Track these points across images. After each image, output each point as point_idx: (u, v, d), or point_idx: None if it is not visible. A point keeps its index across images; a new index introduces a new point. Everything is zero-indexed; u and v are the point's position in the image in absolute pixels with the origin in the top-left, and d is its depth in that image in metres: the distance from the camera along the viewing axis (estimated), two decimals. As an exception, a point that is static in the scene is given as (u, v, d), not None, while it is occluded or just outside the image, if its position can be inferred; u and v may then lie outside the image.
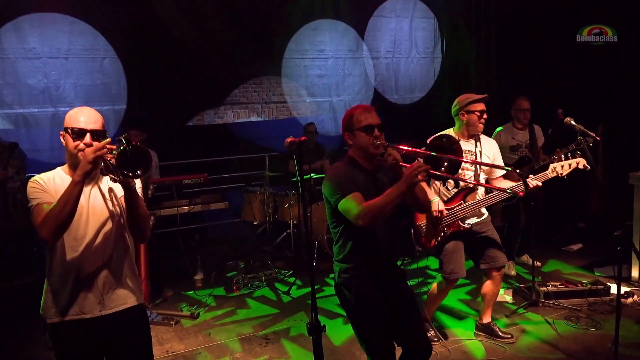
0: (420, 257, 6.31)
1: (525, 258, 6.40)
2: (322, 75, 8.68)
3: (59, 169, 2.63)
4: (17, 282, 6.14)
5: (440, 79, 9.50)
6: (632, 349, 4.28)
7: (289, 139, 2.78)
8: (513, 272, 6.11)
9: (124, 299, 2.69)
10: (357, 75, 8.92)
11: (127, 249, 2.72)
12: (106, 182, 2.65)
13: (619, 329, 3.66)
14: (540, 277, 5.65)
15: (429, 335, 4.31)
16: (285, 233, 6.98)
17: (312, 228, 6.71)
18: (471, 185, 4.18)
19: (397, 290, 3.13)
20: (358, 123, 2.98)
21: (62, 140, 2.57)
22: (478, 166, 4.26)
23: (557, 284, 5.32)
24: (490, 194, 4.21)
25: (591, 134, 4.15)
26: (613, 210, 7.16)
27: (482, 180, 4.26)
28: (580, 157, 4.22)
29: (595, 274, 5.98)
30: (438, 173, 2.77)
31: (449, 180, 4.10)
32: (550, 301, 5.13)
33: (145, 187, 2.64)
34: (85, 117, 2.54)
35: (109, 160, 2.37)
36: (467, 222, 4.22)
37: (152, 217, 4.62)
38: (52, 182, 2.55)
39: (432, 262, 6.13)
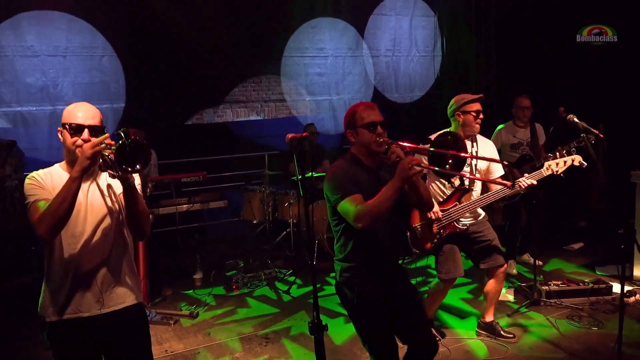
0: (420, 257, 6.27)
1: (527, 257, 6.37)
2: (321, 74, 8.65)
3: (56, 165, 2.59)
4: (16, 281, 6.10)
5: (440, 78, 9.47)
6: (635, 348, 4.25)
7: (290, 135, 2.74)
8: (514, 271, 6.08)
9: (123, 297, 2.65)
10: (357, 74, 8.89)
11: (126, 247, 2.68)
12: (105, 178, 2.61)
13: (622, 328, 3.63)
14: (541, 276, 5.62)
15: None
16: (285, 232, 6.95)
17: (307, 228, 6.66)
18: (467, 184, 4.15)
19: (399, 289, 3.09)
20: (361, 120, 2.95)
21: (59, 136, 2.53)
22: (474, 168, 4.24)
23: (559, 283, 5.29)
24: (485, 194, 4.18)
25: (594, 131, 4.13)
26: (613, 210, 7.17)
27: (477, 182, 4.23)
28: (576, 154, 4.19)
29: (597, 272, 5.95)
30: (443, 170, 2.73)
31: (454, 178, 4.09)
32: (552, 300, 5.10)
33: (144, 185, 2.61)
34: (83, 112, 2.50)
35: (108, 156, 2.33)
36: (462, 223, 4.19)
37: (151, 216, 4.58)
38: (50, 178, 2.51)
39: (433, 262, 6.08)
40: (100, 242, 2.56)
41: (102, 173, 2.60)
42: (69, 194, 2.33)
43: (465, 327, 4.79)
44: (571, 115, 4.25)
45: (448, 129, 4.22)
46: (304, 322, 5.03)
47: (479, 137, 4.31)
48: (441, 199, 4.23)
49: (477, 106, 4.13)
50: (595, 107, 7.22)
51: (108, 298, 2.59)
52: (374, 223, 2.77)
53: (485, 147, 4.33)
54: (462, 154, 2.76)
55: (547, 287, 5.16)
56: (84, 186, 2.52)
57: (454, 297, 5.39)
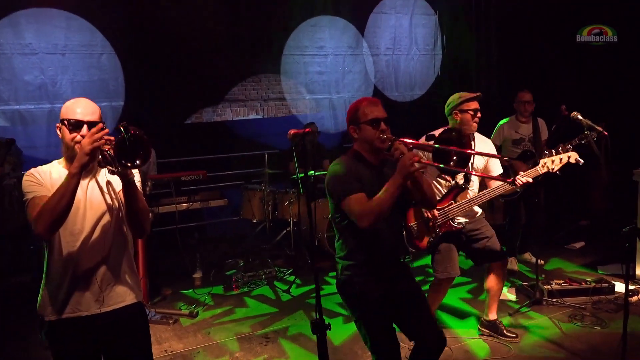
0: (419, 256, 6.24)
1: (528, 256, 6.34)
2: (321, 72, 8.61)
3: (55, 162, 2.56)
4: (14, 280, 6.06)
5: (440, 76, 9.43)
6: (638, 348, 4.20)
7: (292, 131, 2.70)
8: (516, 267, 6.05)
9: (123, 296, 2.61)
10: (357, 72, 8.86)
11: (126, 245, 2.65)
12: (104, 174, 2.58)
13: (626, 327, 3.60)
14: (543, 275, 5.59)
15: None
16: (285, 231, 6.91)
17: (309, 226, 6.64)
18: (462, 182, 4.12)
19: (402, 286, 3.06)
20: (364, 116, 2.91)
21: (58, 132, 2.50)
22: (471, 166, 4.20)
23: (561, 282, 5.25)
24: (481, 192, 4.14)
25: (598, 128, 4.09)
26: (613, 209, 7.14)
27: (475, 180, 4.20)
28: (572, 151, 4.15)
29: (599, 272, 5.92)
30: (447, 167, 2.69)
31: (458, 175, 4.06)
32: (554, 299, 5.07)
33: (143, 184, 2.57)
34: (82, 108, 2.46)
35: (107, 151, 2.29)
36: (458, 221, 4.16)
37: (150, 214, 4.54)
38: (48, 175, 2.48)
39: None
40: (99, 239, 2.52)
41: (102, 170, 2.56)
42: (68, 190, 2.29)
43: (465, 327, 4.76)
44: (575, 113, 4.21)
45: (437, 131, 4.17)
46: (303, 322, 5.00)
47: (477, 135, 4.28)
48: (437, 198, 4.19)
49: (474, 105, 4.10)
50: (595, 107, 7.19)
51: (108, 297, 2.56)
52: (377, 221, 2.73)
53: (484, 145, 4.30)
54: (467, 151, 2.73)
55: (549, 287, 5.13)
56: (83, 183, 2.48)
57: (453, 297, 5.35)
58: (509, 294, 5.37)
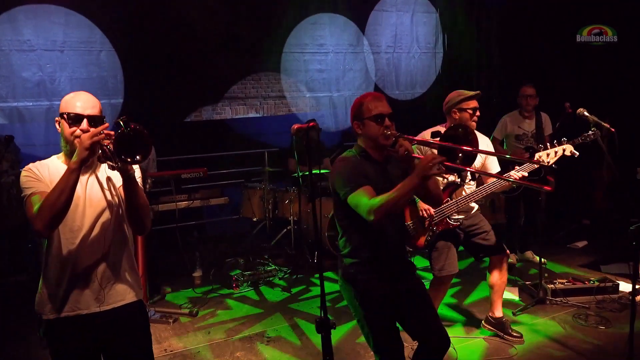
0: (418, 254, 6.19)
1: (530, 255, 6.30)
2: (322, 70, 8.56)
3: (54, 157, 2.51)
4: (12, 279, 6.02)
5: (441, 75, 9.38)
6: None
7: (296, 126, 2.64)
8: (515, 262, 6.01)
9: (123, 294, 2.56)
10: (358, 70, 8.80)
11: (126, 242, 2.59)
12: (104, 170, 2.53)
13: (633, 327, 3.55)
14: (546, 275, 5.54)
15: None
16: (285, 230, 6.86)
17: (313, 225, 6.59)
18: (457, 181, 4.08)
19: (406, 284, 3.01)
20: (368, 112, 2.86)
21: (57, 126, 2.45)
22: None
23: (564, 281, 5.21)
24: (477, 189, 4.11)
25: (605, 124, 4.04)
26: (615, 208, 7.11)
27: (469, 175, 4.16)
28: (567, 144, 4.11)
29: (602, 271, 5.87)
30: (453, 165, 2.64)
31: (464, 173, 4.03)
32: (557, 299, 5.03)
33: (143, 181, 2.52)
34: (82, 102, 2.41)
35: (107, 146, 2.24)
36: (454, 219, 4.11)
37: (150, 213, 4.50)
38: (47, 170, 2.42)
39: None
40: (99, 236, 2.47)
41: (102, 165, 2.51)
42: (67, 186, 2.24)
43: (467, 326, 4.72)
44: (581, 109, 4.17)
45: (434, 128, 4.11)
46: (305, 321, 4.96)
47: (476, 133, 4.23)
48: (442, 195, 4.15)
49: (473, 103, 4.05)
50: (595, 107, 7.19)
51: (108, 295, 2.51)
52: (385, 217, 2.66)
53: (481, 142, 4.24)
54: (475, 149, 2.67)
55: (552, 286, 5.08)
56: (83, 179, 2.43)
57: (454, 297, 5.31)
58: (510, 293, 5.32)
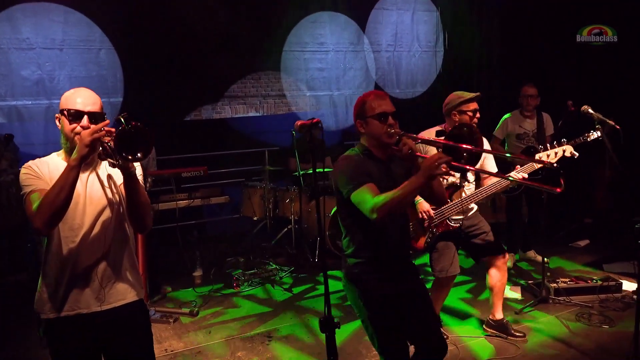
0: (421, 254, 6.16)
1: (532, 254, 6.27)
2: (322, 69, 8.51)
3: (54, 154, 2.47)
4: (11, 278, 5.98)
5: (442, 73, 9.34)
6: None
7: (299, 122, 2.61)
8: (510, 264, 5.98)
9: (124, 293, 2.53)
10: (358, 69, 8.76)
11: (126, 240, 2.56)
12: (104, 168, 2.49)
13: (638, 327, 3.52)
14: (549, 274, 5.51)
15: None
16: (286, 229, 6.82)
17: (313, 224, 6.58)
18: (457, 182, 4.05)
19: (408, 286, 2.97)
20: (371, 110, 2.82)
21: (57, 123, 2.41)
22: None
23: (567, 280, 5.19)
24: (477, 190, 4.09)
25: (610, 122, 4.01)
26: (616, 207, 7.09)
27: (470, 178, 4.14)
28: (567, 144, 4.10)
29: (605, 270, 5.84)
30: (458, 165, 2.60)
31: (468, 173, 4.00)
32: (560, 298, 5.00)
33: (143, 179, 2.50)
34: (82, 98, 2.38)
35: (107, 143, 2.20)
36: (455, 220, 4.08)
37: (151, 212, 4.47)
38: (47, 168, 2.39)
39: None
40: (99, 235, 2.44)
41: (102, 163, 2.48)
42: (67, 183, 2.20)
43: (470, 326, 4.69)
44: (585, 106, 4.14)
45: (433, 129, 4.08)
46: (306, 321, 4.93)
47: None
48: (446, 195, 4.11)
49: (474, 105, 4.03)
50: (595, 107, 7.18)
51: (108, 294, 2.47)
52: (388, 215, 2.62)
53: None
54: (480, 148, 2.64)
55: (555, 285, 5.06)
56: (83, 176, 2.40)
57: (456, 296, 5.28)
58: (512, 292, 5.29)
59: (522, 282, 5.58)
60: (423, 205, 3.99)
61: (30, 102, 6.63)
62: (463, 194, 4.06)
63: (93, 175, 2.47)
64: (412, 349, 3.02)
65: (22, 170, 2.37)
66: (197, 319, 5.02)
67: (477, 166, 4.10)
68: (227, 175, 7.76)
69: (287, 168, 7.12)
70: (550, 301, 5.00)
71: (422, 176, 2.53)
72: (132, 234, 2.59)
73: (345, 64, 8.66)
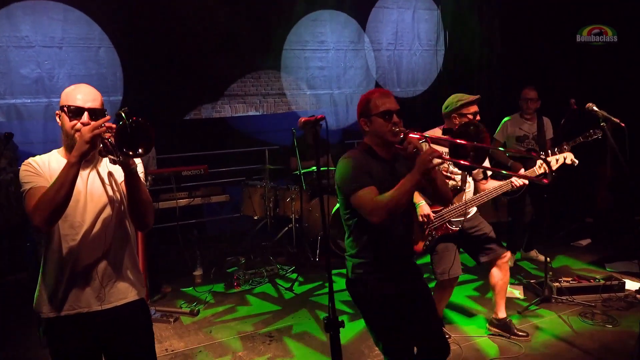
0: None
1: (534, 254, 6.24)
2: (322, 68, 8.49)
3: (54, 151, 2.44)
4: (11, 278, 5.95)
5: (443, 72, 9.31)
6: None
7: (303, 119, 2.57)
8: (511, 263, 5.96)
9: (125, 292, 2.49)
10: (359, 68, 8.73)
11: (128, 239, 2.52)
12: (105, 165, 2.46)
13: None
14: (551, 273, 5.49)
15: None
16: (286, 228, 6.79)
17: (314, 223, 6.55)
18: (460, 183, 4.03)
19: (412, 286, 2.94)
20: (375, 108, 2.78)
21: (57, 119, 2.38)
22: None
23: (570, 279, 5.15)
24: (479, 194, 4.08)
25: (615, 119, 3.98)
26: (617, 207, 7.06)
27: (470, 180, 4.11)
28: (568, 152, 4.12)
29: (607, 269, 5.82)
30: (465, 163, 2.57)
31: (456, 176, 3.99)
32: (563, 297, 4.97)
33: (144, 177, 2.49)
34: (83, 94, 2.35)
35: (108, 139, 2.17)
36: (455, 224, 4.07)
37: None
38: (47, 165, 2.36)
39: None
40: (100, 233, 2.40)
41: (103, 160, 2.45)
42: (67, 180, 2.17)
43: (473, 325, 4.65)
44: (590, 104, 4.11)
45: (432, 130, 4.06)
46: (307, 320, 4.90)
47: None
48: (450, 194, 4.09)
49: (474, 108, 3.99)
50: (596, 107, 7.20)
51: (109, 293, 2.44)
52: (389, 217, 2.60)
53: None
54: (486, 145, 2.62)
55: (558, 284, 5.03)
56: (84, 174, 2.37)
57: (460, 295, 5.26)
58: (514, 291, 5.27)
59: (525, 281, 5.55)
60: (423, 208, 3.98)
61: (29, 101, 6.60)
62: (463, 198, 4.05)
63: (94, 173, 2.43)
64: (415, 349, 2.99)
65: (22, 167, 2.33)
66: (197, 319, 4.98)
67: (475, 171, 4.12)
68: (227, 174, 7.74)
69: (288, 167, 7.09)
70: (553, 300, 4.97)
71: (416, 172, 2.53)
72: (134, 233, 2.56)
73: (345, 62, 8.63)
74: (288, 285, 5.77)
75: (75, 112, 2.32)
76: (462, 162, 2.56)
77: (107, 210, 2.42)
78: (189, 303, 5.32)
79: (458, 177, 4.06)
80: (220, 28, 7.50)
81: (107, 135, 2.17)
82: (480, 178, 4.17)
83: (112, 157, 2.22)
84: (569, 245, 6.76)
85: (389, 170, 2.81)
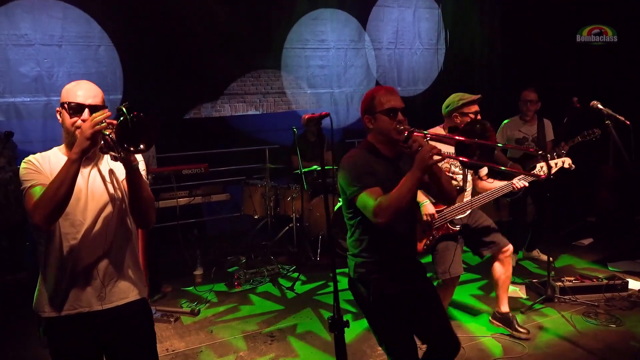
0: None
1: (536, 253, 6.22)
2: (323, 66, 8.46)
3: (55, 148, 2.41)
4: (11, 277, 5.91)
5: (443, 71, 9.28)
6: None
7: (307, 116, 2.54)
8: (513, 263, 5.93)
9: (126, 292, 2.46)
10: (359, 67, 8.70)
11: (129, 238, 2.49)
12: (106, 163, 2.43)
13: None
14: (553, 272, 5.47)
15: None
16: (287, 227, 6.76)
17: (315, 222, 6.52)
18: (460, 185, 4.01)
19: (417, 285, 2.91)
20: (380, 105, 2.74)
21: (58, 116, 2.34)
22: (466, 170, 4.09)
23: (572, 279, 5.12)
24: (480, 195, 4.06)
25: (620, 117, 3.96)
26: (619, 206, 7.04)
27: (469, 180, 4.10)
28: (566, 157, 4.13)
29: (609, 269, 5.79)
30: (471, 161, 2.54)
31: (457, 176, 3.98)
32: (566, 297, 4.94)
33: (145, 175, 2.46)
34: (83, 91, 2.32)
35: (109, 135, 2.13)
36: (456, 223, 4.05)
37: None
38: (48, 162, 2.32)
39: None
40: (101, 232, 2.37)
41: (104, 158, 2.42)
42: (67, 177, 2.14)
43: (477, 324, 4.63)
44: (595, 102, 4.09)
45: (433, 129, 4.04)
46: (309, 320, 4.87)
47: None
48: (455, 192, 4.06)
49: (475, 108, 3.99)
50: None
51: (110, 293, 2.40)
52: (393, 218, 2.57)
53: None
54: (492, 143, 2.58)
55: (560, 283, 5.00)
56: (85, 171, 2.33)
57: (464, 294, 5.24)
58: (517, 290, 5.24)
59: (527, 280, 5.52)
60: (428, 208, 3.96)
61: (28, 99, 6.57)
62: (465, 199, 4.03)
63: (95, 170, 2.40)
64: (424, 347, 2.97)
65: (22, 165, 2.30)
66: (198, 319, 4.95)
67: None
68: (228, 173, 7.71)
69: (290, 166, 7.06)
70: (556, 300, 4.94)
71: (417, 169, 2.51)
72: (135, 231, 2.53)
73: (346, 61, 8.61)
74: (289, 284, 5.74)
75: (76, 109, 2.28)
76: (468, 160, 2.53)
77: (109, 209, 2.39)
78: (189, 303, 5.29)
79: (459, 177, 4.06)
80: (220, 27, 7.46)
81: (107, 131, 2.14)
82: (486, 173, 4.15)
83: (113, 153, 2.18)
84: (570, 244, 6.74)
85: (393, 169, 2.78)
